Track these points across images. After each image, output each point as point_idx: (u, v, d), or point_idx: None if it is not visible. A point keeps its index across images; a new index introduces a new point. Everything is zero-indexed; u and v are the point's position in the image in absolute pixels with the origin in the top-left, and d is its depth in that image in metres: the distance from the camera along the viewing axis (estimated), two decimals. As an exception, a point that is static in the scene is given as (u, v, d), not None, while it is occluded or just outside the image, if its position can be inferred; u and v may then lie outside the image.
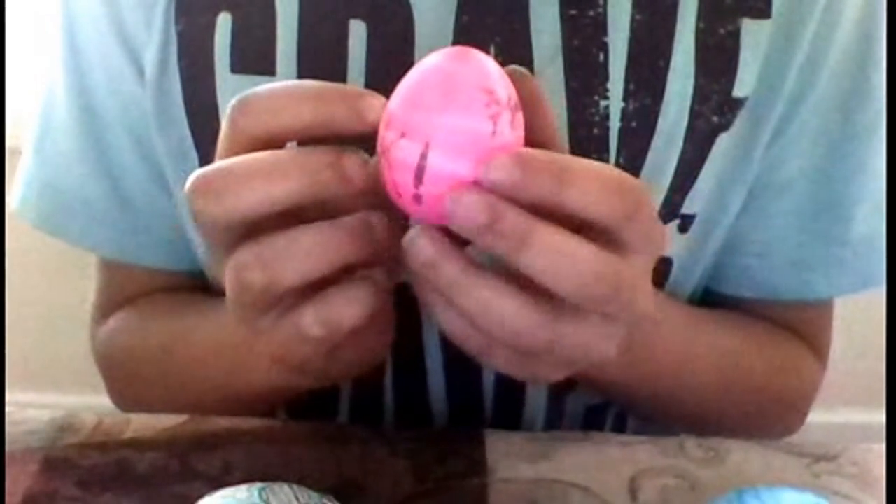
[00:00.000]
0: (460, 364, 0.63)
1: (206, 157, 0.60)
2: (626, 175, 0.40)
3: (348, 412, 0.68)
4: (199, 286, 0.67)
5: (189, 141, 0.60)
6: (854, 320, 1.19)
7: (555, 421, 0.67)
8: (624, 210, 0.39)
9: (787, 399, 0.68)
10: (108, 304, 0.70)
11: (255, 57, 0.57)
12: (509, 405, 0.65)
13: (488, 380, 0.64)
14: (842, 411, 1.57)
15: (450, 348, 0.62)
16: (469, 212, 0.38)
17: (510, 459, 0.57)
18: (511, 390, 0.65)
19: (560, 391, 0.66)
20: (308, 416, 0.68)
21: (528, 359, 0.43)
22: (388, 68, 0.55)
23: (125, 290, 0.69)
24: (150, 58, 0.60)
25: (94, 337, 0.71)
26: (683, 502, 0.55)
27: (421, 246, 0.39)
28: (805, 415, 0.70)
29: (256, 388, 0.57)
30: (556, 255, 0.38)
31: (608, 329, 0.43)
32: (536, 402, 0.65)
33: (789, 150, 0.61)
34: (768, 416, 0.68)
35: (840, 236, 0.63)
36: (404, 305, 0.56)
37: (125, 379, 0.69)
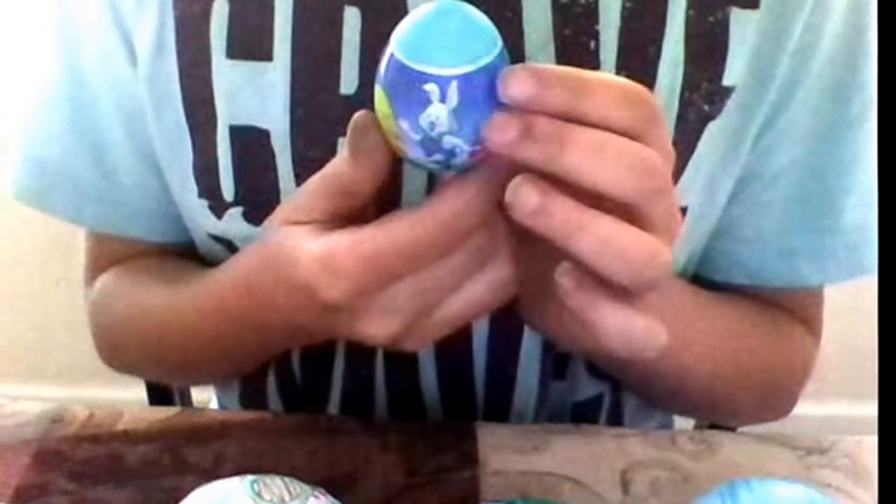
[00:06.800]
0: (451, 355, 0.63)
1: (199, 142, 0.60)
2: (637, 84, 0.41)
3: (339, 404, 0.67)
4: (183, 252, 0.68)
5: (184, 125, 0.60)
6: (845, 312, 1.19)
7: (544, 412, 0.67)
8: (644, 114, 0.40)
9: (785, 378, 0.69)
10: (95, 268, 0.71)
11: (250, 43, 0.57)
12: (500, 394, 0.65)
13: (479, 370, 0.64)
14: (833, 404, 1.57)
15: (441, 339, 0.62)
16: (501, 128, 0.39)
17: (501, 452, 0.57)
18: (501, 379, 0.65)
19: (546, 379, 0.66)
20: (300, 407, 0.68)
21: (634, 305, 0.43)
22: (382, 57, 0.55)
23: (111, 255, 0.70)
24: (143, 41, 0.60)
25: (86, 298, 0.71)
26: (675, 495, 0.55)
27: (526, 194, 0.40)
28: (800, 391, 0.70)
29: (247, 350, 0.59)
30: (596, 152, 0.39)
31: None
32: (526, 390, 0.66)
33: (780, 141, 0.61)
34: (767, 396, 0.69)
35: (829, 226, 0.64)
36: None
37: (109, 340, 0.69)
